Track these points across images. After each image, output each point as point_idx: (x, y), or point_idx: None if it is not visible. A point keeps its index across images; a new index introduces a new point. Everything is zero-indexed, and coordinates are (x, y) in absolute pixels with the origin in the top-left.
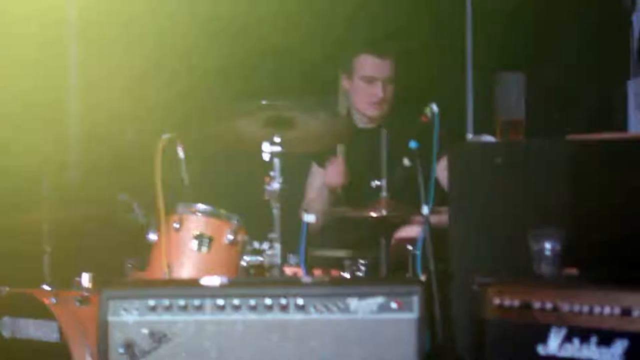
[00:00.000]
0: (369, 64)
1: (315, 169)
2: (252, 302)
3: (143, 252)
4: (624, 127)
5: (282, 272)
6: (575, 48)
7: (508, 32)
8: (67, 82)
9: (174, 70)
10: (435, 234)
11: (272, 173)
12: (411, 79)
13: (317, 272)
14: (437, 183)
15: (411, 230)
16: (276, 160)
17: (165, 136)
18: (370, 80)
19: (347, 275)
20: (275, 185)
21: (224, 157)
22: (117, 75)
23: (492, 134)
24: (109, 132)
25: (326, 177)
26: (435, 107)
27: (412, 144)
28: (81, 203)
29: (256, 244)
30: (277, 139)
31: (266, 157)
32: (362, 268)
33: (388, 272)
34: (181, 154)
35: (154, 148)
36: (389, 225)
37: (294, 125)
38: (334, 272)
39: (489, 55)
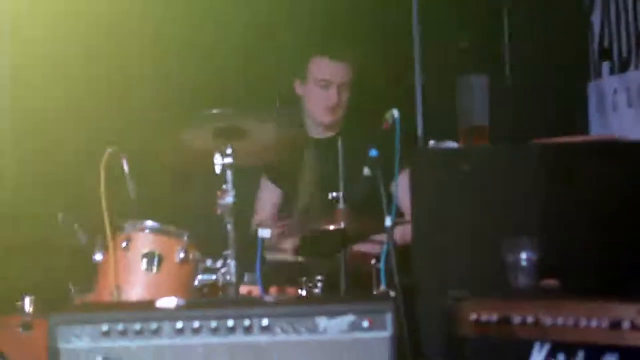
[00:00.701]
0: (323, 67)
1: (265, 183)
2: (214, 324)
3: (86, 273)
4: (585, 130)
5: (238, 291)
6: (534, 50)
7: (460, 34)
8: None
9: (117, 78)
10: (398, 247)
11: (224, 186)
12: (367, 84)
13: (273, 290)
14: None
15: (369, 247)
16: (229, 173)
17: (110, 150)
18: (324, 84)
19: (303, 293)
20: (229, 200)
21: (173, 171)
22: (55, 81)
23: (455, 140)
24: (45, 148)
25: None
26: (396, 113)
27: (373, 153)
28: (16, 221)
29: (209, 262)
30: (228, 151)
31: (218, 169)
32: (319, 285)
33: (348, 287)
34: (126, 168)
35: (95, 162)
36: (347, 239)
37: (246, 136)
38: (291, 290)
39: (444, 58)
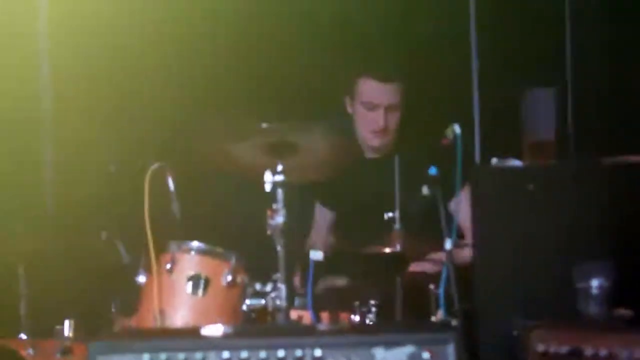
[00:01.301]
0: (369, 89)
1: (318, 208)
2: (263, 354)
3: (129, 295)
4: None
5: (288, 316)
6: (600, 59)
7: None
8: (40, 107)
9: (162, 93)
10: (458, 269)
11: (274, 205)
12: (424, 98)
13: (325, 315)
14: None
15: (427, 266)
16: (279, 191)
17: (154, 166)
18: (371, 106)
19: (356, 318)
20: (279, 219)
21: (220, 189)
22: (98, 94)
23: (519, 157)
24: (88, 163)
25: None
26: (457, 128)
27: (432, 170)
28: (59, 241)
29: (258, 286)
30: (279, 167)
31: (268, 187)
32: (374, 309)
33: (404, 314)
34: (171, 185)
35: (138, 180)
36: (404, 262)
37: (298, 152)
38: (343, 316)
39: (503, 70)
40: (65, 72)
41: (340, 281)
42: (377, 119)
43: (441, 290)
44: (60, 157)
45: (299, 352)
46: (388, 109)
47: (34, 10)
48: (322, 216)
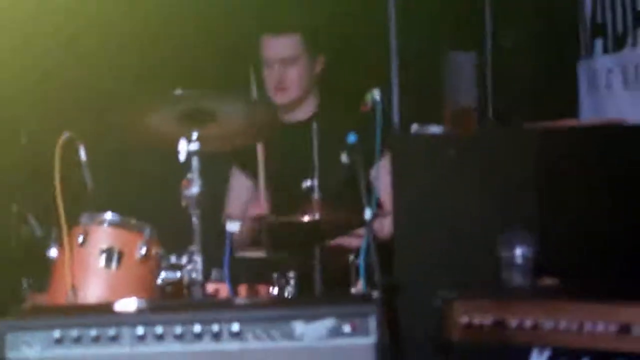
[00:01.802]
0: (265, 45)
1: (236, 173)
2: (178, 330)
3: (41, 270)
4: (574, 112)
5: (204, 289)
6: (518, 25)
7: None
8: None
9: (73, 61)
10: (378, 241)
11: (189, 175)
12: (340, 62)
13: (242, 288)
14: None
15: (351, 240)
16: (194, 161)
17: (65, 135)
18: (269, 62)
19: (275, 291)
20: (194, 190)
21: (133, 159)
22: (8, 69)
23: (439, 123)
24: None
25: (249, 209)
26: (377, 94)
27: (351, 138)
28: None
29: (173, 258)
30: (194, 136)
31: (182, 156)
32: (292, 281)
33: (323, 286)
34: (83, 155)
35: (50, 150)
36: (323, 232)
37: (214, 119)
38: (262, 288)
39: (420, 32)
40: None
41: (258, 253)
42: (273, 73)
43: (361, 261)
44: None
45: (215, 327)
46: (283, 62)
47: None
48: (240, 184)
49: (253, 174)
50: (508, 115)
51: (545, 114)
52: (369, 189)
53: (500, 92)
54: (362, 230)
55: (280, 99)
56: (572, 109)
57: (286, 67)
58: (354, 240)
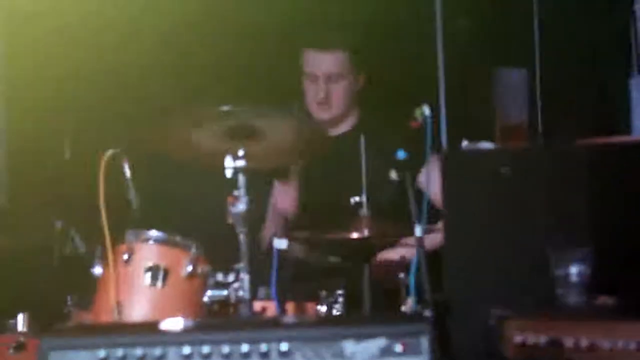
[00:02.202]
0: (309, 59)
1: (278, 186)
2: (226, 349)
3: (86, 288)
4: (627, 128)
5: (252, 307)
6: (569, 41)
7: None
8: None
9: (118, 76)
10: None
11: (236, 192)
12: (386, 76)
13: (290, 306)
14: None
15: (396, 253)
16: (241, 177)
17: (109, 152)
18: (312, 78)
19: (323, 309)
20: (241, 207)
21: (179, 176)
22: (51, 82)
23: (490, 139)
24: (41, 149)
25: (276, 202)
26: (427, 110)
27: (401, 154)
28: (10, 232)
29: (220, 276)
30: (240, 152)
31: (229, 173)
32: (340, 299)
33: (372, 304)
34: (128, 172)
35: (95, 167)
36: (371, 249)
37: (261, 136)
38: (310, 306)
39: (467, 48)
40: (18, 58)
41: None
42: (318, 89)
43: (411, 279)
44: (13, 146)
45: (264, 347)
46: (329, 78)
47: None
48: (285, 196)
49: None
50: (558, 131)
51: (596, 130)
52: (419, 204)
53: (550, 108)
54: (407, 241)
55: (322, 115)
56: (624, 125)
57: (331, 83)
58: (398, 253)
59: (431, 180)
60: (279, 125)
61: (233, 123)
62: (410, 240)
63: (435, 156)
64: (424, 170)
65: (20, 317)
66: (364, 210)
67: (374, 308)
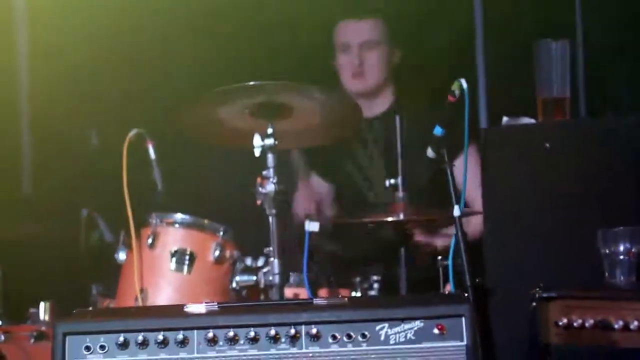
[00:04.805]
0: (342, 30)
1: (316, 181)
2: (252, 333)
3: (112, 275)
4: None
5: (282, 294)
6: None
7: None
8: (16, 78)
9: (141, 55)
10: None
11: (265, 172)
12: (422, 51)
13: (323, 293)
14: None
15: (436, 240)
16: (270, 157)
17: (133, 132)
18: (345, 47)
19: (358, 295)
20: (270, 187)
21: (205, 156)
22: (75, 68)
23: (532, 115)
24: (67, 136)
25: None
26: (464, 83)
27: (437, 131)
28: (36, 220)
29: (249, 261)
30: (269, 130)
31: (257, 152)
32: (376, 285)
33: (409, 290)
34: (152, 153)
35: (121, 154)
36: (408, 233)
37: (290, 113)
38: (344, 293)
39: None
40: (41, 46)
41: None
42: (352, 58)
43: (450, 263)
44: (37, 134)
45: (292, 330)
46: (363, 46)
47: None
48: (321, 189)
49: (332, 180)
50: (601, 106)
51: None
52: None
53: (592, 83)
54: (448, 230)
55: (357, 85)
56: None
57: (366, 51)
58: (439, 240)
59: (469, 171)
60: (308, 102)
61: (261, 99)
62: (450, 230)
63: (473, 148)
64: (459, 159)
65: (42, 306)
66: (400, 192)
67: (411, 294)
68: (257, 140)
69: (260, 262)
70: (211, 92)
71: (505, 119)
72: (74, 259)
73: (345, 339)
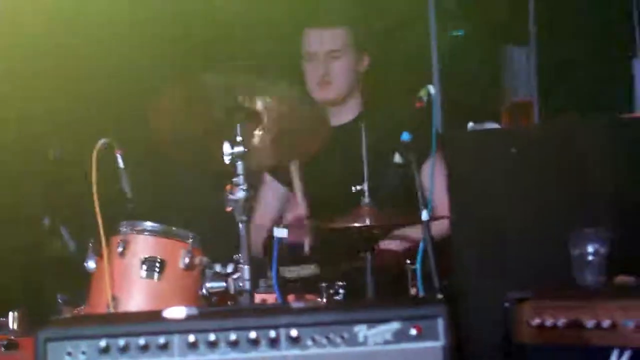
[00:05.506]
0: (307, 39)
1: (267, 179)
2: (233, 336)
3: (76, 285)
4: (629, 108)
5: (253, 299)
6: (570, 22)
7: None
8: None
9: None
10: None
11: (235, 179)
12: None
13: (291, 298)
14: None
15: (398, 244)
16: (239, 164)
17: (101, 142)
18: (311, 56)
19: (323, 301)
20: (240, 194)
21: (173, 163)
22: (36, 74)
23: (495, 120)
24: (26, 146)
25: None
26: (432, 89)
27: (405, 136)
28: None
29: (218, 267)
30: (239, 138)
31: (227, 160)
32: (341, 291)
33: (376, 295)
34: (121, 161)
35: (82, 162)
36: (374, 238)
37: (259, 118)
38: (310, 299)
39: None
40: (3, 53)
41: (305, 270)
42: (318, 67)
43: (418, 266)
44: None
45: (272, 333)
46: (328, 55)
47: None
48: (274, 190)
49: (286, 180)
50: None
51: (598, 110)
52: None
53: (552, 86)
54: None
55: (323, 94)
56: (627, 104)
57: (331, 60)
58: (401, 243)
59: (433, 177)
60: (276, 106)
61: (230, 103)
62: (412, 230)
63: (438, 156)
64: (426, 166)
65: (11, 316)
66: (366, 198)
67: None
68: (226, 148)
69: (230, 269)
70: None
71: (470, 124)
72: (37, 268)
73: (324, 341)
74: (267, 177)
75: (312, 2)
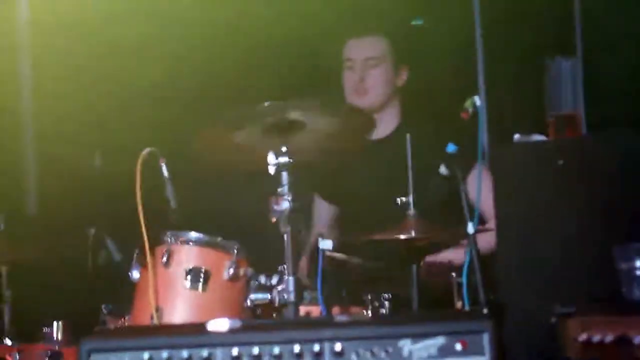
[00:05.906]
0: (347, 47)
1: (318, 201)
2: (276, 350)
3: (121, 296)
4: None
5: (297, 311)
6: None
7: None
8: (21, 99)
9: (153, 76)
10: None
11: (280, 190)
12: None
13: (335, 310)
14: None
15: (447, 255)
16: (284, 174)
17: (146, 151)
18: (350, 64)
19: (368, 314)
20: (285, 205)
21: (218, 174)
22: (81, 89)
23: (542, 132)
24: (70, 156)
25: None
26: (478, 100)
27: (450, 148)
28: (41, 241)
29: (263, 278)
30: (283, 149)
31: (271, 170)
32: (387, 303)
33: (421, 307)
34: (165, 171)
35: (127, 173)
36: (419, 250)
37: (302, 128)
38: (356, 311)
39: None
40: (45, 63)
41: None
42: (355, 74)
43: (464, 279)
44: (42, 153)
45: (316, 347)
46: (366, 62)
47: (13, 2)
48: (323, 210)
49: (333, 202)
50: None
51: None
52: (470, 201)
53: (597, 99)
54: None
55: (359, 102)
56: None
57: (369, 68)
58: (449, 256)
59: (481, 189)
60: (320, 117)
61: (273, 119)
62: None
63: (484, 167)
64: (470, 178)
65: (55, 325)
66: (411, 210)
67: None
68: (271, 159)
69: (274, 280)
70: (224, 116)
71: (516, 136)
72: (82, 279)
73: (368, 355)
74: (317, 198)
75: (352, 14)
